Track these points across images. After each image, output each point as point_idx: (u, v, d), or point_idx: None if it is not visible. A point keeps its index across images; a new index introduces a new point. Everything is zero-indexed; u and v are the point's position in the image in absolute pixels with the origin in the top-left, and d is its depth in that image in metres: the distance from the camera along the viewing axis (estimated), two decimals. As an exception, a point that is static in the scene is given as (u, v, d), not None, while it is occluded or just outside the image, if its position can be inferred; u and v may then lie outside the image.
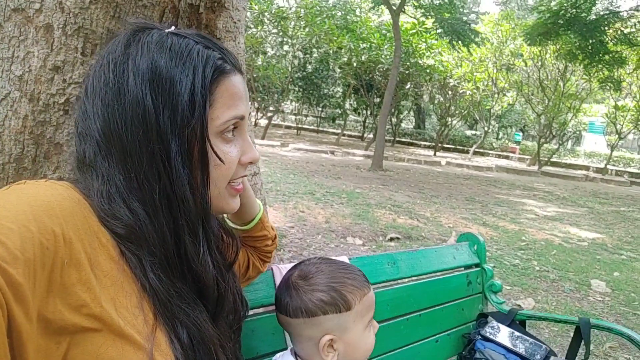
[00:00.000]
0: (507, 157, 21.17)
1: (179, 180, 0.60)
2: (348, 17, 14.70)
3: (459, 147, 21.95)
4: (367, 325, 0.86)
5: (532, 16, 16.94)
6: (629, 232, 6.72)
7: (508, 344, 1.38)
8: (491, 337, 1.41)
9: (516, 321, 1.52)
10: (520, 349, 1.37)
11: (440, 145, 19.22)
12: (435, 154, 17.54)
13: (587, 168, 19.00)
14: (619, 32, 14.69)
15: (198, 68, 0.62)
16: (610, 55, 14.68)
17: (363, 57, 15.20)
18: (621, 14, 14.55)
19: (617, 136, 18.27)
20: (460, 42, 12.82)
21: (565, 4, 13.96)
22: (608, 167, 18.44)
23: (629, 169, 19.76)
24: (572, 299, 3.65)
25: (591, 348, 1.55)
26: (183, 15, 1.12)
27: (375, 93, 17.10)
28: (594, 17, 14.23)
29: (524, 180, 13.23)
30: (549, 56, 16.63)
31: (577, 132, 22.10)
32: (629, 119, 17.77)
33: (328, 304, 0.82)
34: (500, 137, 26.04)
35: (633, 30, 14.84)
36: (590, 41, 14.34)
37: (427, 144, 21.41)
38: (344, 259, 1.15)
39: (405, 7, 12.30)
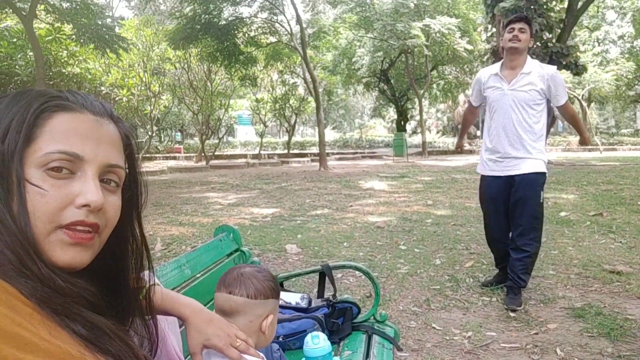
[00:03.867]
0: (174, 158, 21.90)
1: None
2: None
3: (124, 155, 21.35)
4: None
5: (171, 21, 17.79)
6: (295, 201, 8.16)
7: (280, 303, 1.67)
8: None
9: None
10: (290, 303, 1.68)
11: (105, 156, 18.30)
12: (103, 167, 16.64)
13: (245, 156, 21.54)
14: (246, 35, 17.03)
15: (25, 104, 0.65)
16: (244, 55, 16.91)
17: (-9, 69, 13.00)
18: (245, 19, 16.89)
19: (262, 125, 21.31)
20: (107, 48, 12.44)
21: (198, 10, 15.25)
22: (261, 152, 21.39)
23: (276, 152, 23.40)
24: (277, 264, 4.30)
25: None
26: None
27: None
28: (224, 22, 16.07)
29: (198, 176, 14.07)
30: (193, 59, 17.87)
31: (230, 126, 24.66)
32: (268, 109, 20.97)
33: (275, 290, 1.13)
34: (162, 139, 26.60)
35: (256, 34, 17.42)
36: (226, 44, 16.16)
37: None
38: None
39: (36, 11, 11.07)
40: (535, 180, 3.14)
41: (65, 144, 0.64)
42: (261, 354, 1.06)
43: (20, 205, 0.61)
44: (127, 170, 0.76)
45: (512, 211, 3.22)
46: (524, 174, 3.14)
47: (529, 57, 3.23)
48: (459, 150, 3.92)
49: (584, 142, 3.49)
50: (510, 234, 3.30)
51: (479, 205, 3.61)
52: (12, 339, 0.51)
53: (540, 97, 3.15)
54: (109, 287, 0.75)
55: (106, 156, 0.68)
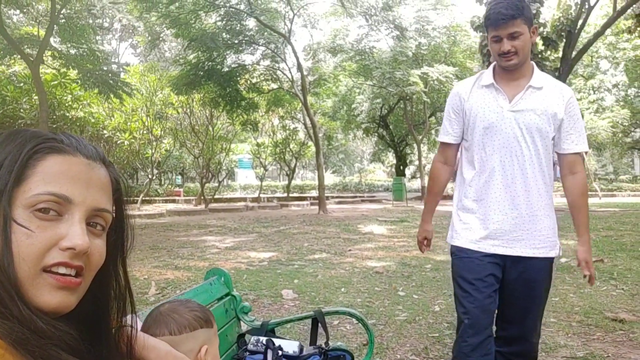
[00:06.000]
0: (174, 201, 21.87)
1: None
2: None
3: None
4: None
5: (175, 68, 18.22)
6: (293, 245, 8.10)
7: (270, 350, 1.62)
8: (256, 349, 1.63)
9: (269, 331, 1.79)
10: (280, 351, 1.63)
11: (105, 199, 18.30)
12: (102, 209, 16.59)
13: (244, 199, 21.52)
14: (248, 82, 17.42)
15: (19, 144, 0.66)
16: (246, 101, 17.23)
17: (-4, 113, 13.26)
18: (247, 66, 17.33)
19: (262, 169, 21.43)
20: (111, 93, 12.70)
21: (202, 58, 15.67)
22: (261, 195, 21.40)
23: (276, 195, 23.42)
24: (272, 310, 4.22)
25: (320, 331, 1.97)
26: None
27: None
28: (227, 69, 16.48)
29: (197, 219, 14.01)
30: (196, 104, 18.18)
31: (230, 169, 24.80)
32: (268, 153, 21.16)
33: (204, 319, 1.07)
34: (163, 182, 26.67)
35: (258, 80, 17.83)
36: (228, 90, 16.50)
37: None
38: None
39: (44, 57, 11.38)
40: (551, 265, 2.02)
41: (55, 186, 0.64)
42: None
43: (4, 246, 0.61)
44: (115, 214, 0.76)
45: (510, 297, 2.00)
46: (540, 258, 1.96)
47: (535, 65, 2.02)
48: (425, 244, 2.29)
49: (588, 271, 2.08)
50: (500, 324, 2.08)
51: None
52: None
53: (556, 129, 1.97)
54: (89, 332, 0.74)
55: (95, 200, 0.68)
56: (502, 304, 1.99)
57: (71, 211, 0.66)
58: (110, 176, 0.74)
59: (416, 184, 29.41)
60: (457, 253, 2.05)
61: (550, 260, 1.99)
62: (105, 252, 0.72)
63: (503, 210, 1.94)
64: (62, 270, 0.64)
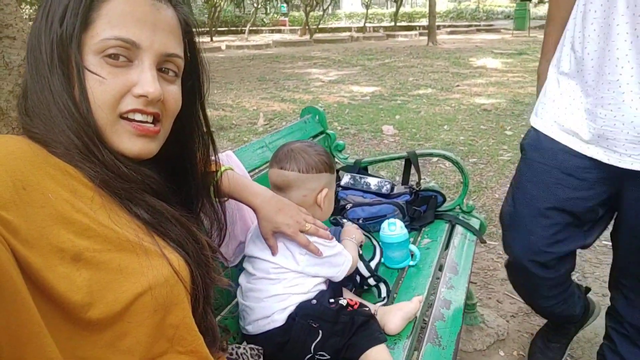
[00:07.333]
0: (279, 31, 21.75)
1: (58, 90, 0.62)
2: None
3: (232, 28, 21.65)
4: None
5: None
6: (397, 80, 7.87)
7: (362, 187, 1.68)
8: (348, 185, 1.69)
9: (362, 168, 1.83)
10: (372, 187, 1.68)
11: (214, 29, 18.68)
12: (212, 40, 17.08)
13: (349, 29, 20.75)
14: None
15: None
16: None
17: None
18: None
19: (368, -5, 20.07)
20: None
21: None
22: (366, 25, 20.44)
23: (383, 24, 22.23)
24: (371, 145, 4.30)
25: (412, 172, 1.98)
26: None
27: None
28: None
29: (302, 51, 13.96)
30: None
31: (335, -4, 23.61)
32: (375, -23, 19.51)
33: (329, 165, 1.12)
34: (269, 11, 26.34)
35: None
36: None
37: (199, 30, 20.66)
38: (228, 152, 1.24)
39: None
40: None
41: (121, 30, 0.62)
42: (330, 234, 1.08)
43: (81, 93, 0.62)
44: (188, 58, 0.73)
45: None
46: None
47: None
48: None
49: None
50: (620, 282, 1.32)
51: None
52: (70, 225, 0.55)
53: None
54: (176, 175, 0.77)
55: (163, 44, 0.66)
56: (620, 249, 1.24)
57: (140, 57, 0.64)
58: (179, 17, 0.70)
59: (543, 9, 25.98)
60: (528, 143, 1.29)
61: None
62: (181, 98, 0.71)
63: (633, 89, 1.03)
64: (138, 117, 0.64)
